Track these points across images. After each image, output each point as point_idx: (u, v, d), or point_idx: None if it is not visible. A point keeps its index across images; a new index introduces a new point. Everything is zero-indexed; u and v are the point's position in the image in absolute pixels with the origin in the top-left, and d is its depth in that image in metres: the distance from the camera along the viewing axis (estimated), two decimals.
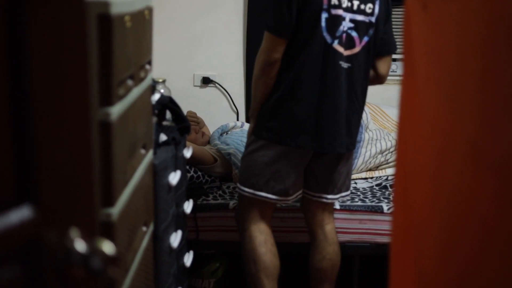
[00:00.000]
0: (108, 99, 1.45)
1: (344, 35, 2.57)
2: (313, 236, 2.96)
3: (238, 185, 2.81)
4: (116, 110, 1.48)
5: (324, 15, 2.51)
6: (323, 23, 2.52)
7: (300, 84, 2.59)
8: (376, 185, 3.54)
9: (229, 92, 4.32)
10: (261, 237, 2.81)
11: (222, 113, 4.36)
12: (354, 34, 2.58)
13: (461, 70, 0.92)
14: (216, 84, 4.32)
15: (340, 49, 2.58)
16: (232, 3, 4.27)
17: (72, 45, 0.98)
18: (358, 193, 3.42)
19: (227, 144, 3.64)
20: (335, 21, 2.55)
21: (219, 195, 3.33)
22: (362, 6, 2.59)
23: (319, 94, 2.60)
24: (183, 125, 2.51)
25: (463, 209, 0.94)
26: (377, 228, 3.19)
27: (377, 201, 3.29)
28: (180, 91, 4.23)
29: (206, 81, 4.31)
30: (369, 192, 3.44)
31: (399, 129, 1.24)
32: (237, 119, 4.33)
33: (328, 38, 2.54)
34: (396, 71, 4.39)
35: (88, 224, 1.01)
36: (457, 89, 0.93)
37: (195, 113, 3.98)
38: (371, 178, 3.66)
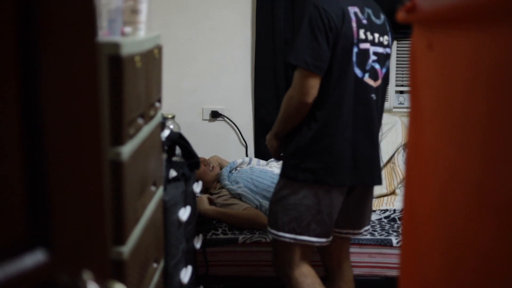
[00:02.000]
0: (119, 138, 1.46)
1: (371, 68, 2.59)
2: (329, 273, 2.90)
3: (273, 231, 2.64)
4: (127, 149, 1.49)
5: (355, 50, 2.51)
6: (354, 58, 2.51)
7: (336, 120, 2.53)
8: (385, 217, 3.54)
9: (238, 125, 4.35)
10: (308, 281, 2.68)
11: (231, 147, 4.38)
12: (377, 66, 2.59)
13: (468, 110, 0.92)
14: (225, 118, 4.34)
15: (371, 82, 2.58)
16: (240, 37, 4.31)
17: (84, 85, 0.99)
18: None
19: (237, 183, 3.64)
20: (364, 55, 2.55)
21: (228, 229, 3.33)
22: (381, 39, 2.61)
23: (353, 128, 2.56)
24: (193, 160, 2.53)
25: (465, 246, 0.95)
26: (387, 261, 3.18)
27: (386, 234, 3.28)
28: (189, 125, 4.26)
29: (215, 115, 4.33)
30: (378, 225, 3.43)
31: (407, 164, 1.25)
32: (246, 153, 4.35)
33: (358, 72, 2.53)
34: (403, 104, 4.41)
35: (101, 265, 1.02)
36: (463, 129, 0.94)
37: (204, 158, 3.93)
38: (379, 210, 3.65)
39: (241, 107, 4.36)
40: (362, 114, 2.56)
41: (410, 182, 1.25)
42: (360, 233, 2.79)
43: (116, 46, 1.43)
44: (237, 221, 3.36)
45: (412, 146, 1.23)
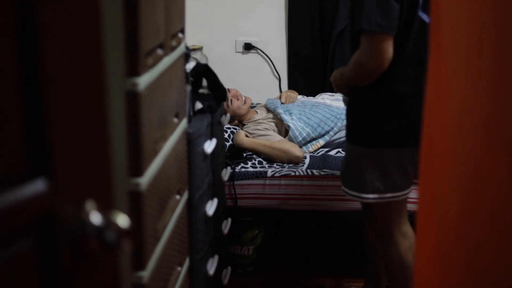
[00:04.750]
0: (136, 69, 1.44)
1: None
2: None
3: (363, 195, 2.49)
4: (144, 80, 1.47)
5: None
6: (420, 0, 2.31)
7: (407, 77, 2.37)
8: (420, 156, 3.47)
9: (271, 58, 4.29)
10: (406, 243, 2.57)
11: (264, 80, 4.33)
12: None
13: (479, 43, 0.89)
14: (258, 50, 4.29)
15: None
16: None
17: (85, 13, 0.97)
18: None
19: (291, 114, 3.61)
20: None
21: (258, 162, 3.33)
22: None
23: (419, 84, 2.26)
24: (219, 92, 2.50)
25: (478, 185, 0.92)
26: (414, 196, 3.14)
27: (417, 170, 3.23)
28: (222, 58, 4.23)
29: (248, 47, 4.28)
30: None
31: (426, 97, 1.21)
32: (279, 86, 4.30)
33: (425, 17, 2.32)
34: None
35: (105, 195, 1.01)
36: (476, 63, 0.90)
37: (236, 91, 3.88)
38: None
39: (275, 40, 4.29)
40: (425, 66, 2.42)
41: (429, 113, 1.21)
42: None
43: None
44: (272, 151, 3.35)
45: (431, 78, 1.18)
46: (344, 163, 2.58)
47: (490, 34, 0.84)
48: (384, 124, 2.39)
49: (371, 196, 2.47)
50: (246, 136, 3.50)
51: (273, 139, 3.44)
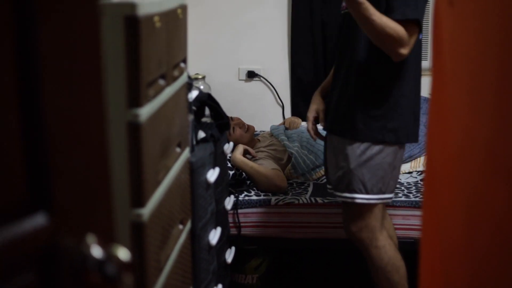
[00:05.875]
0: (137, 100, 1.45)
1: None
2: None
3: (362, 196, 2.49)
4: (145, 111, 1.48)
5: None
6: None
7: (415, 77, 2.46)
8: (421, 180, 3.47)
9: (274, 85, 4.31)
10: (392, 243, 2.63)
11: (267, 107, 4.35)
12: None
13: (482, 69, 0.89)
14: (261, 78, 4.30)
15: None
16: None
17: (85, 46, 0.97)
18: (402, 187, 3.36)
19: (293, 141, 3.62)
20: None
21: (261, 190, 3.32)
22: None
23: (419, 84, 2.52)
24: (222, 121, 2.51)
25: (479, 209, 0.92)
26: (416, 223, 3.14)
27: (421, 196, 3.22)
28: (225, 86, 4.24)
29: (251, 75, 4.30)
30: (414, 187, 3.38)
31: (429, 121, 1.22)
32: (283, 113, 4.31)
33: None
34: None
35: (106, 229, 1.01)
36: (478, 88, 0.91)
37: (239, 119, 3.89)
38: (416, 171, 3.59)
39: (278, 67, 4.31)
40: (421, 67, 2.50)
41: (432, 140, 1.21)
42: None
43: (132, 6, 1.40)
44: (256, 175, 3.31)
45: (434, 104, 1.19)
46: (342, 164, 2.53)
47: (492, 62, 0.84)
48: (396, 120, 2.44)
49: (374, 197, 2.50)
50: (246, 151, 3.48)
51: (266, 165, 3.42)
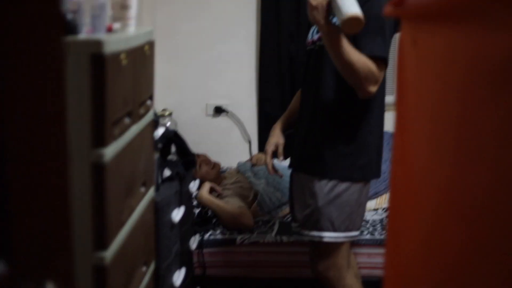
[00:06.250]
0: (102, 140, 1.42)
1: None
2: None
3: (329, 234, 2.45)
4: (110, 150, 1.44)
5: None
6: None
7: (380, 113, 2.47)
8: (386, 217, 3.46)
9: (242, 121, 4.29)
10: (358, 282, 2.62)
11: (235, 143, 4.33)
12: None
13: (443, 110, 0.89)
14: (229, 113, 4.29)
15: None
16: (244, 30, 4.25)
17: (50, 84, 0.94)
18: (368, 225, 3.34)
19: (259, 178, 3.59)
20: None
21: (227, 228, 3.28)
22: None
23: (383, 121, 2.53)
24: (188, 159, 2.47)
25: (436, 249, 0.92)
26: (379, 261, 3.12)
27: (386, 234, 3.21)
28: (193, 121, 4.21)
29: (219, 110, 4.28)
30: (379, 224, 3.37)
31: (392, 161, 1.22)
32: (250, 149, 4.29)
33: None
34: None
35: (66, 275, 0.97)
36: (439, 129, 0.91)
37: (205, 156, 3.86)
38: (382, 209, 3.59)
39: (246, 102, 4.30)
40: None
41: (395, 177, 1.21)
42: None
43: (98, 44, 1.38)
44: (222, 213, 3.28)
45: (397, 144, 1.19)
46: (309, 201, 2.49)
47: (454, 104, 0.84)
48: (364, 157, 2.43)
49: (342, 235, 2.46)
50: (212, 189, 3.45)
51: (232, 203, 3.38)
